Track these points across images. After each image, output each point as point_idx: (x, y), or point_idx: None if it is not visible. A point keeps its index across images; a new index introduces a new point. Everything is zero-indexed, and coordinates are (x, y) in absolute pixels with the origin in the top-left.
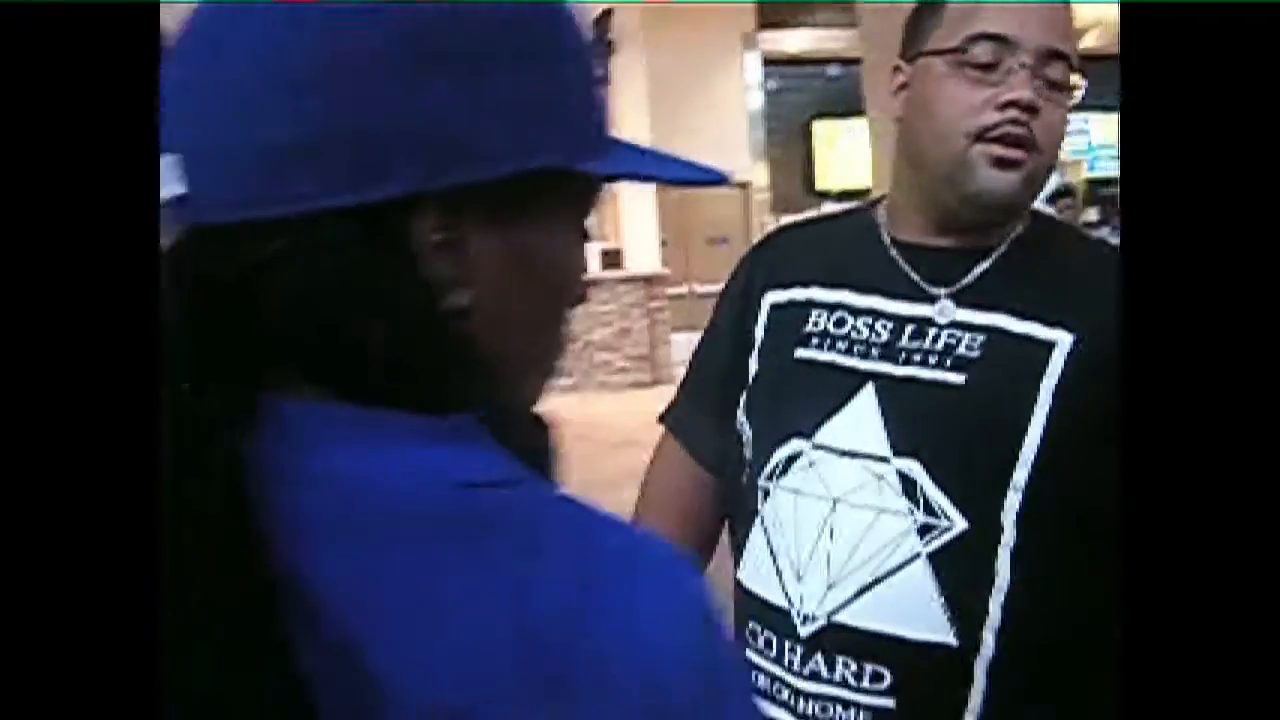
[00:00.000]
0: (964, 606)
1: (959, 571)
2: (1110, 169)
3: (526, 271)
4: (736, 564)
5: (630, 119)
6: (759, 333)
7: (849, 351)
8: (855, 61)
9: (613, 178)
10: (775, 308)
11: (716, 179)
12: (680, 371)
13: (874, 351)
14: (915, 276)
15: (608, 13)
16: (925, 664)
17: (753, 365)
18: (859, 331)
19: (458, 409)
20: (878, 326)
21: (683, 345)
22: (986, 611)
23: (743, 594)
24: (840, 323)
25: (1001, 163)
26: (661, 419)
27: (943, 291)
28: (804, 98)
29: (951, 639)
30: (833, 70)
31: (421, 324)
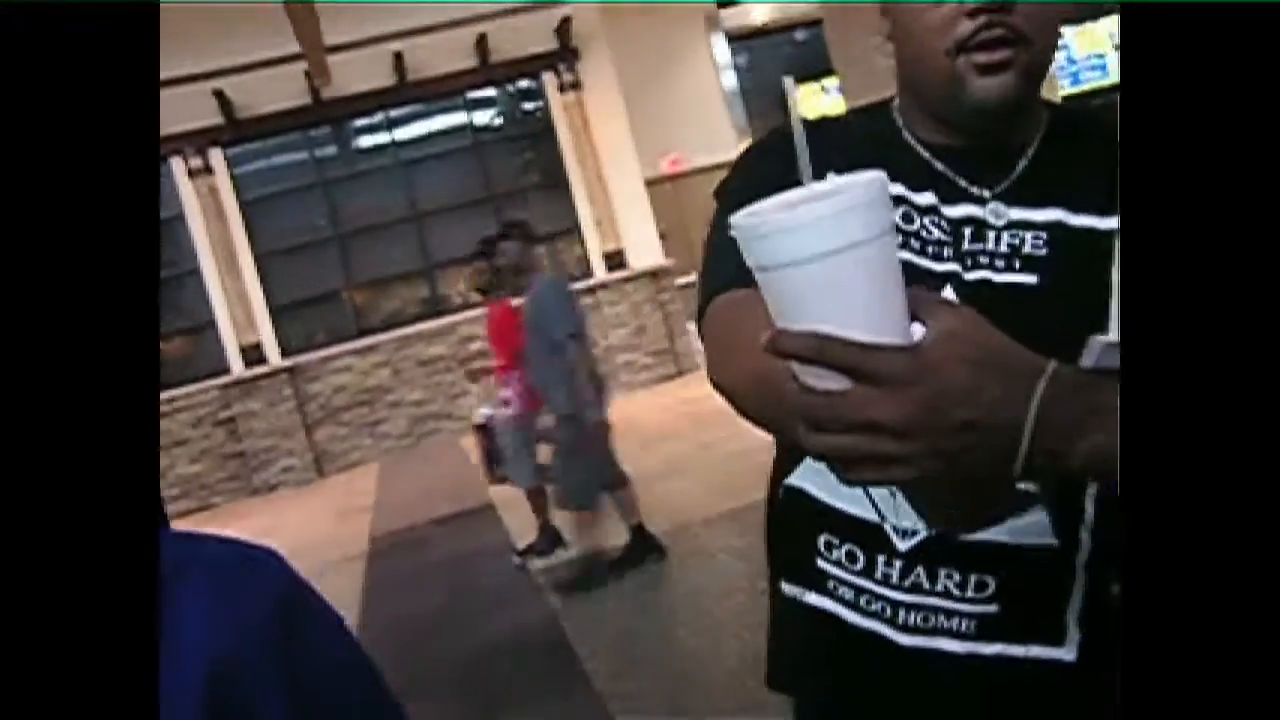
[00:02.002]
0: (1063, 507)
1: None
2: (1095, 79)
3: None
4: (786, 469)
5: (607, 119)
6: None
7: (922, 252)
8: (819, 22)
9: None
10: None
11: None
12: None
13: (945, 252)
14: (959, 180)
15: (566, 20)
16: (1029, 568)
17: None
18: (928, 231)
19: None
20: (943, 226)
21: None
22: (1083, 510)
23: (808, 504)
24: (907, 218)
25: (988, 69)
26: (701, 315)
27: (988, 193)
28: (776, 66)
29: (1053, 540)
30: (800, 35)
31: None
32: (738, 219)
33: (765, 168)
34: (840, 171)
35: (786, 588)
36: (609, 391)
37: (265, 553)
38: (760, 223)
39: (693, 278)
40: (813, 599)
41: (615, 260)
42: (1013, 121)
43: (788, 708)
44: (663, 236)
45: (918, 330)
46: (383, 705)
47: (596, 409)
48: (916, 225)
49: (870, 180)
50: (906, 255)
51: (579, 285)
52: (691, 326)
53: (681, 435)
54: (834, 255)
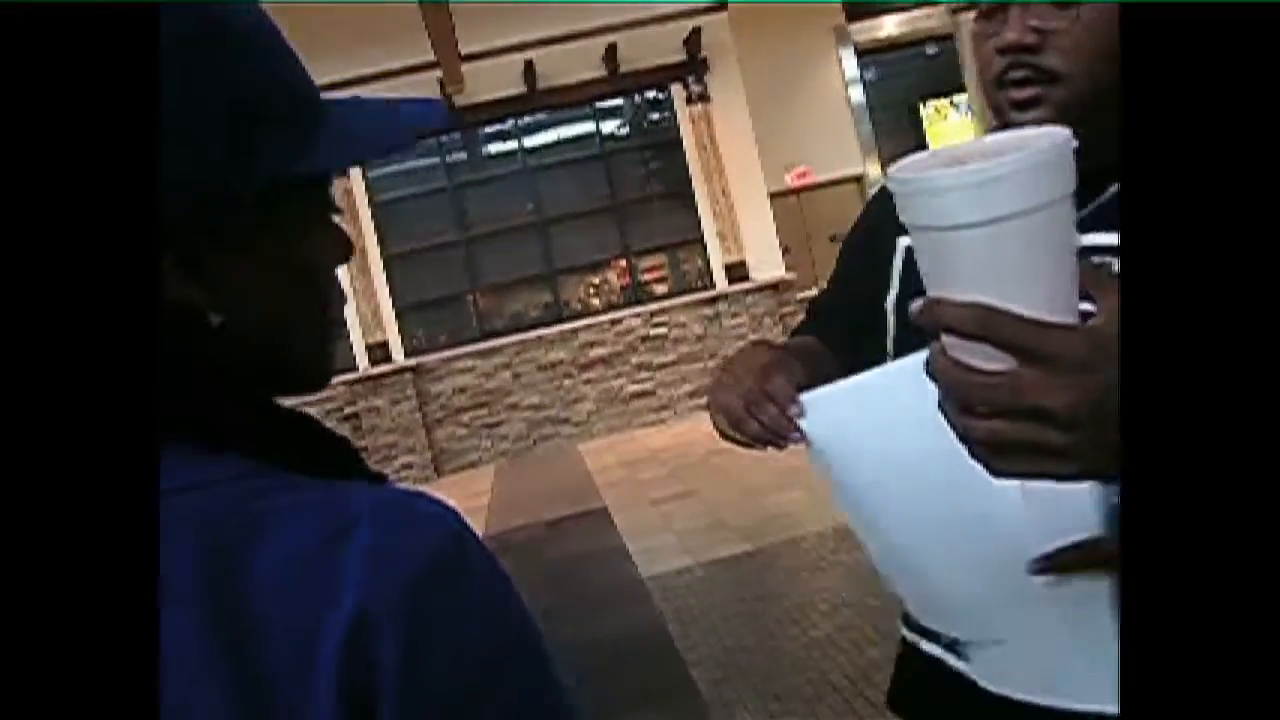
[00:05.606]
0: None
1: None
2: None
3: (278, 277)
4: None
5: (733, 131)
6: (895, 277)
7: None
8: (950, 36)
9: (327, 170)
10: (912, 250)
11: (428, 116)
12: None
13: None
14: None
15: (696, 32)
16: None
17: (891, 311)
18: None
19: (224, 420)
20: None
21: None
22: None
23: None
24: None
25: (1019, 105)
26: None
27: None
28: (906, 81)
29: None
30: (930, 49)
31: (186, 348)
32: (899, 171)
33: (883, 208)
34: None
35: (906, 633)
36: None
37: (435, 510)
38: (928, 178)
39: (813, 292)
40: (925, 647)
41: (737, 272)
42: (1094, 147)
43: None
44: (785, 250)
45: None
46: (502, 693)
47: None
48: None
49: (1055, 134)
50: None
51: (700, 296)
52: None
53: (795, 449)
54: (1010, 220)
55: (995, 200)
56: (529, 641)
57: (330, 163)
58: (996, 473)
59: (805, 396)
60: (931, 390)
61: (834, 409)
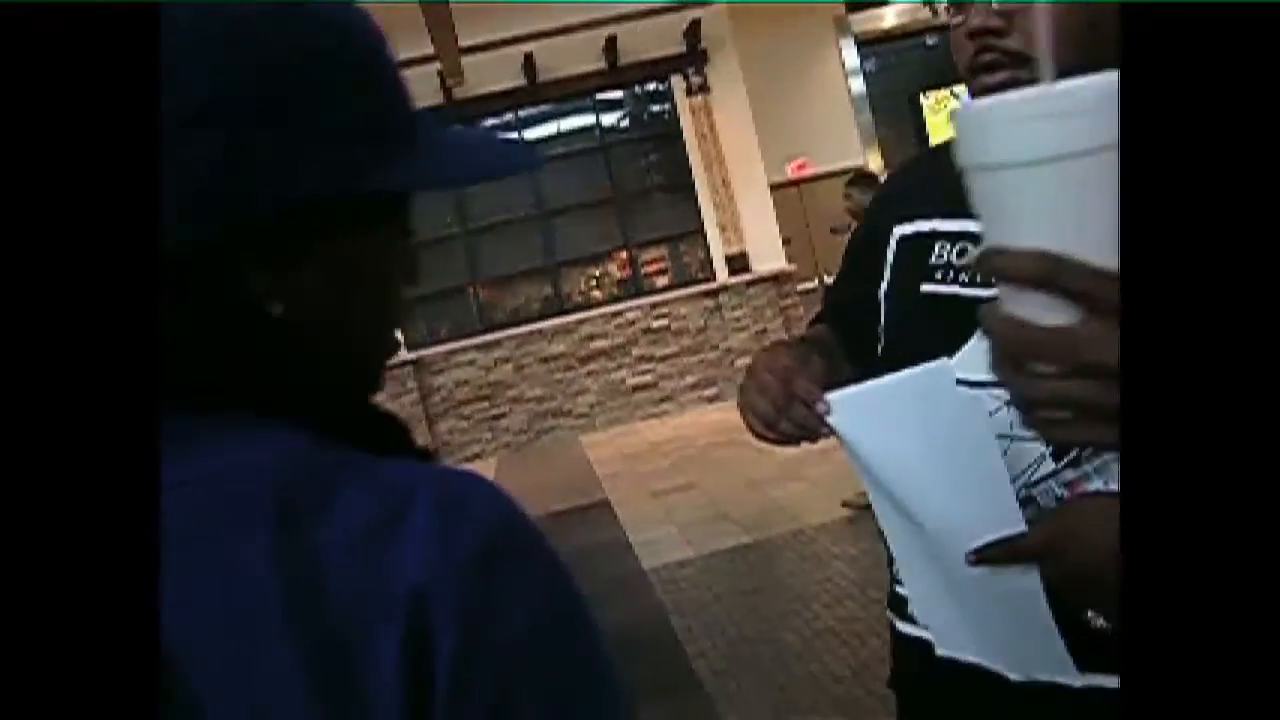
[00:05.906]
0: None
1: None
2: None
3: (346, 281)
4: None
5: (733, 123)
6: (887, 267)
7: (972, 282)
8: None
9: (412, 186)
10: (903, 240)
11: (524, 165)
12: None
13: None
14: None
15: (695, 23)
16: None
17: (882, 300)
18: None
19: (288, 407)
20: None
21: None
22: None
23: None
24: (963, 253)
25: (990, 89)
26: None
27: None
28: (906, 72)
29: None
30: (931, 40)
31: (243, 332)
32: (966, 100)
33: (886, 202)
34: (936, 208)
35: (889, 614)
36: None
37: (489, 491)
38: (989, 108)
39: (814, 284)
40: (902, 626)
41: (738, 263)
42: None
43: (889, 712)
44: (786, 241)
45: None
46: (555, 668)
47: None
48: (970, 258)
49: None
50: (954, 288)
51: (701, 288)
52: None
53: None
54: (1077, 158)
55: (1074, 134)
56: (580, 617)
57: (426, 184)
58: (1053, 439)
59: (832, 396)
60: (951, 394)
61: (860, 407)
